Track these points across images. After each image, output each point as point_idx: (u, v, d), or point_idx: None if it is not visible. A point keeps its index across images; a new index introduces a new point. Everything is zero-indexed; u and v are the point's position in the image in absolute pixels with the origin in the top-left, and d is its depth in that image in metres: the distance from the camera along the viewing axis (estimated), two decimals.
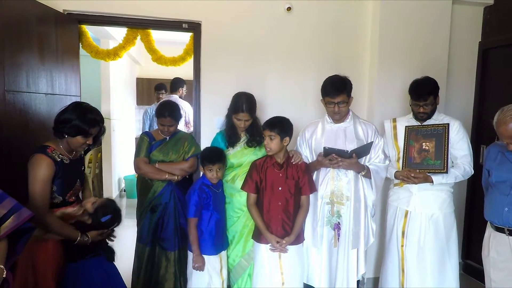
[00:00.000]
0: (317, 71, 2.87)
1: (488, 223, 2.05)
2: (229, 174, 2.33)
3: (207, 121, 2.85)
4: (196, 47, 2.86)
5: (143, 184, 2.46)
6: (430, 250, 2.25)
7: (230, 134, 2.32)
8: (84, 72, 3.02)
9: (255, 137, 2.31)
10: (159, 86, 4.77)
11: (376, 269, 2.92)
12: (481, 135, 3.04)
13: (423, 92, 2.24)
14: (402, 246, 2.31)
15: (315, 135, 2.28)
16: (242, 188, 2.18)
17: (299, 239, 2.16)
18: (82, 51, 2.97)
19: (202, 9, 2.77)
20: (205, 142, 2.69)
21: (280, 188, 2.10)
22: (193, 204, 2.17)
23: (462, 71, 3.16)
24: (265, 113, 2.82)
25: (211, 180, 2.20)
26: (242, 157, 2.32)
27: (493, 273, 2.01)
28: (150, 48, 3.31)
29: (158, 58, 3.42)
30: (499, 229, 1.96)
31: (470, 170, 2.24)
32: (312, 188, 2.16)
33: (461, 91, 3.16)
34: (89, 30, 3.27)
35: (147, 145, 2.41)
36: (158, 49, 3.43)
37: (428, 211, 2.26)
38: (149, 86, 7.03)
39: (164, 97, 4.56)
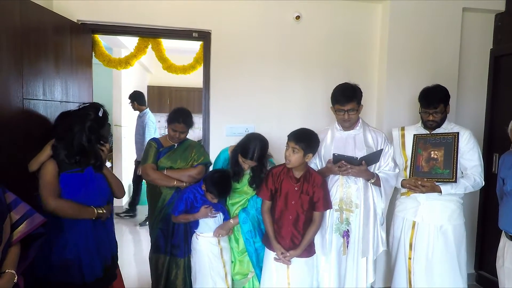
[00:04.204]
0: (326, 79, 2.88)
1: (503, 232, 2.01)
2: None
3: (216, 129, 2.87)
4: (206, 56, 2.90)
5: (152, 193, 2.48)
6: (438, 263, 2.20)
7: (234, 170, 2.23)
8: (97, 80, 3.09)
9: (259, 176, 2.21)
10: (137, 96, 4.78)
11: (386, 279, 2.88)
12: (494, 144, 3.00)
13: (434, 100, 2.22)
14: (410, 258, 2.27)
15: (324, 142, 2.27)
16: (257, 194, 2.15)
17: (309, 252, 2.11)
18: (94, 60, 3.04)
19: (212, 18, 2.81)
20: (214, 150, 2.71)
21: (293, 202, 2.04)
22: (183, 199, 2.19)
23: (473, 79, 3.13)
24: (275, 122, 2.85)
25: (211, 201, 2.19)
26: (241, 194, 2.27)
27: (508, 284, 1.97)
28: (161, 57, 3.37)
29: (169, 67, 3.48)
30: None
31: (480, 181, 2.19)
32: (327, 205, 2.08)
33: (472, 99, 3.13)
34: (102, 39, 3.35)
35: (155, 152, 2.43)
36: (169, 57, 3.48)
37: (437, 222, 2.22)
38: (160, 94, 7.14)
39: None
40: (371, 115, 3.01)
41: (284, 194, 2.05)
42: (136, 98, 4.68)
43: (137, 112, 4.82)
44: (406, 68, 2.93)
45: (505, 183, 2.02)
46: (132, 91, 4.77)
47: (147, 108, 4.75)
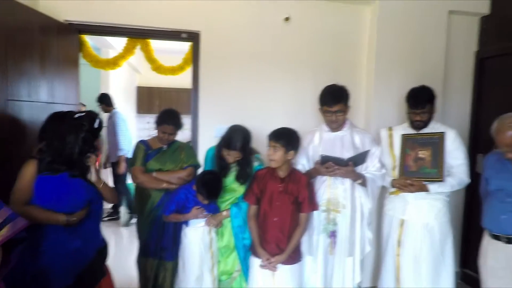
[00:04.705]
0: (315, 80, 2.90)
1: (486, 231, 2.06)
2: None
3: (205, 130, 2.87)
4: (195, 57, 2.90)
5: (141, 195, 2.45)
6: (425, 260, 2.25)
7: (220, 164, 2.23)
8: (85, 81, 3.06)
9: (245, 170, 2.21)
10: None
11: (373, 278, 2.91)
12: (478, 144, 3.06)
13: (420, 100, 2.27)
14: (398, 255, 2.31)
15: (312, 143, 2.29)
16: (244, 198, 2.16)
17: (295, 259, 2.08)
18: (82, 60, 3.00)
19: (201, 19, 2.81)
20: (203, 151, 2.69)
21: (278, 203, 2.03)
22: (175, 200, 2.18)
23: (459, 80, 3.19)
24: (264, 123, 2.84)
25: (202, 202, 2.19)
26: (230, 191, 2.27)
27: (489, 281, 2.02)
28: (150, 58, 3.35)
29: (157, 68, 3.46)
30: (496, 237, 1.96)
31: (466, 179, 2.26)
32: (313, 206, 2.09)
33: (457, 100, 3.19)
34: (90, 40, 3.32)
35: (143, 154, 2.41)
36: (158, 58, 3.47)
37: (424, 220, 2.26)
38: (149, 95, 7.09)
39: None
40: (360, 115, 3.04)
41: (269, 195, 2.05)
42: (103, 100, 4.65)
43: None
44: (394, 69, 2.97)
45: (488, 183, 2.06)
46: (99, 94, 4.73)
47: (115, 108, 4.71)
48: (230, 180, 2.26)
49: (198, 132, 2.89)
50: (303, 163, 2.31)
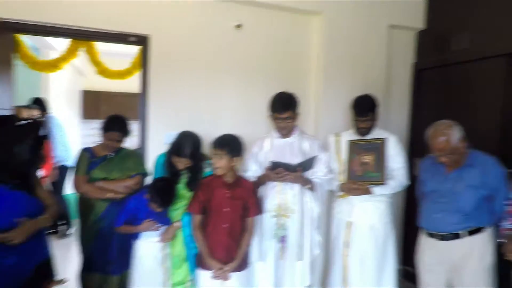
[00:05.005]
0: (266, 87, 2.94)
1: (422, 229, 2.21)
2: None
3: (155, 137, 2.78)
4: (144, 61, 2.81)
5: (84, 205, 2.31)
6: (370, 259, 2.36)
7: (170, 172, 2.18)
8: (24, 83, 2.83)
9: (196, 177, 2.17)
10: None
11: (323, 280, 2.98)
12: (416, 149, 3.28)
13: (364, 109, 2.39)
14: (346, 256, 2.40)
15: (262, 150, 2.33)
16: (188, 209, 2.11)
17: (243, 265, 2.07)
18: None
19: (151, 23, 2.74)
20: (153, 159, 2.61)
21: (226, 209, 2.01)
22: (126, 210, 2.10)
23: (399, 89, 3.41)
24: (216, 129, 2.82)
25: (155, 210, 2.12)
26: (180, 199, 2.21)
27: (425, 277, 2.17)
28: (94, 61, 3.20)
29: (103, 71, 3.31)
30: (431, 235, 2.12)
31: (405, 182, 2.42)
32: (259, 210, 2.11)
33: (398, 108, 3.41)
34: (28, 40, 3.08)
35: (87, 162, 2.28)
36: (104, 61, 3.32)
37: (369, 221, 2.38)
38: (95, 99, 6.72)
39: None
40: (309, 122, 3.13)
41: (217, 203, 2.03)
42: (37, 104, 4.37)
43: None
44: (341, 78, 3.11)
45: (424, 185, 2.22)
46: (33, 98, 4.42)
47: (50, 113, 4.43)
48: (181, 187, 2.21)
49: (147, 138, 2.80)
50: (253, 169, 2.33)
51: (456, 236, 2.01)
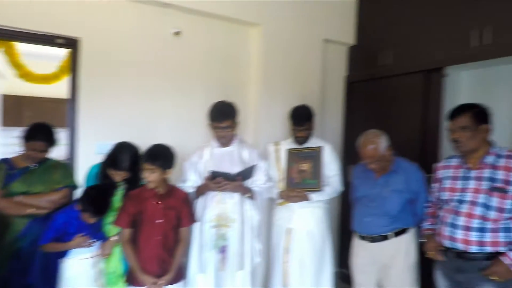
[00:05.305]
0: (206, 95, 2.92)
1: (354, 233, 2.33)
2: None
3: (85, 147, 2.59)
4: (74, 65, 2.62)
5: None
6: (309, 264, 2.43)
7: (105, 184, 2.07)
8: None
9: (135, 188, 2.07)
10: None
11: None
12: (349, 156, 3.49)
13: (302, 118, 2.49)
14: (286, 262, 2.44)
15: (202, 159, 2.30)
16: (115, 223, 2.00)
17: (178, 277, 2.03)
18: None
19: (82, 25, 2.57)
20: (83, 170, 2.43)
21: (159, 221, 1.96)
22: (54, 225, 1.94)
23: (334, 100, 3.61)
24: (152, 138, 2.71)
25: (88, 221, 1.98)
26: (116, 211, 2.08)
27: (358, 277, 2.29)
28: (15, 63, 2.90)
29: (25, 75, 3.02)
30: (362, 237, 2.25)
31: (340, 188, 2.56)
32: (192, 219, 2.09)
33: (332, 117, 3.60)
34: None
35: (3, 174, 2.05)
36: (30, 63, 3.02)
37: (307, 227, 2.45)
38: (18, 105, 6.08)
39: None
40: (249, 131, 3.16)
41: (149, 215, 1.96)
42: None
43: None
44: (280, 88, 3.20)
45: (356, 190, 2.36)
46: None
47: None
48: (117, 199, 2.09)
49: (76, 148, 2.60)
50: (193, 179, 2.28)
51: (384, 238, 2.15)
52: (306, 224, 2.46)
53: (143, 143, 2.20)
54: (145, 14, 2.76)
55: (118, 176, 2.06)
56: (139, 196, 1.99)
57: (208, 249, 2.18)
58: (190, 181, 2.29)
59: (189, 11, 2.87)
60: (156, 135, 2.69)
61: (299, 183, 2.46)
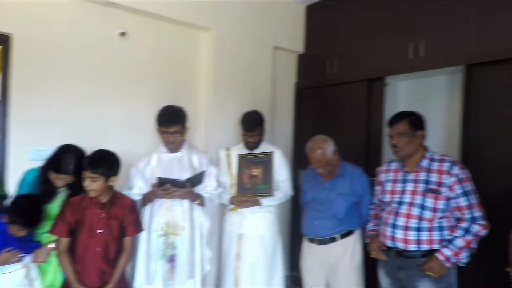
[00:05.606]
0: (155, 99, 2.82)
1: (304, 236, 2.38)
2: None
3: (17, 152, 2.36)
4: (4, 63, 2.39)
5: None
6: (260, 269, 2.44)
7: (44, 189, 1.93)
8: None
9: (77, 194, 1.94)
10: None
11: None
12: (299, 161, 3.57)
13: (252, 124, 2.51)
14: (237, 268, 2.43)
15: (149, 165, 2.21)
16: (51, 231, 1.86)
17: (121, 287, 1.94)
18: None
19: (14, 20, 2.35)
20: (15, 177, 2.21)
21: (100, 231, 1.86)
22: None
23: (284, 106, 3.68)
24: (94, 143, 2.56)
25: (16, 234, 1.81)
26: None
27: (307, 280, 2.34)
28: None
29: None
30: (311, 240, 2.30)
31: (290, 192, 2.60)
32: (138, 228, 2.01)
33: (283, 123, 3.67)
34: None
35: None
36: None
37: (259, 231, 2.46)
38: None
39: None
40: (200, 136, 3.11)
41: (88, 225, 1.86)
42: None
43: None
44: (231, 93, 3.19)
45: (305, 194, 2.41)
46: None
47: None
48: (56, 206, 1.93)
49: (7, 154, 2.36)
50: (139, 186, 2.19)
51: (332, 240, 2.22)
52: (258, 229, 2.46)
53: (89, 147, 2.07)
54: (88, 12, 2.61)
55: (60, 181, 1.91)
56: (80, 204, 1.87)
57: (155, 259, 2.10)
58: (136, 188, 2.19)
59: (136, 12, 2.76)
60: (101, 140, 2.54)
61: (250, 188, 2.46)
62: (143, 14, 2.80)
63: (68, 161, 1.88)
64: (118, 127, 2.74)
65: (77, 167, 1.90)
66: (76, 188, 1.95)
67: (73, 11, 2.56)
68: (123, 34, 2.73)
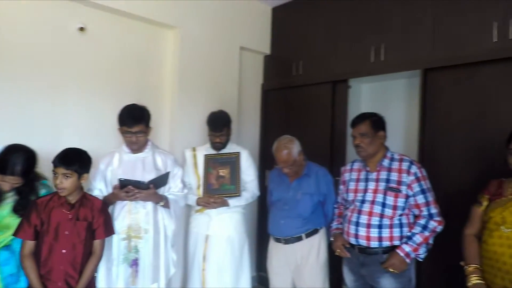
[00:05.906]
0: (117, 98, 2.70)
1: (271, 236, 2.39)
2: None
3: None
4: None
5: None
6: (227, 270, 2.42)
7: None
8: None
9: (27, 200, 1.83)
10: None
11: None
12: (266, 161, 3.59)
13: (219, 124, 2.48)
14: (203, 270, 2.40)
15: (111, 166, 2.13)
16: (16, 234, 1.76)
17: None
18: None
19: None
20: None
21: (66, 232, 1.78)
22: None
23: (251, 107, 3.68)
24: (52, 142, 2.43)
25: None
26: (4, 229, 1.80)
27: (273, 279, 2.36)
28: None
29: None
30: (278, 240, 2.32)
31: (257, 192, 2.60)
32: (109, 230, 1.93)
33: (250, 123, 3.67)
34: None
35: None
36: None
37: (225, 232, 2.45)
38: None
39: None
40: (165, 136, 3.04)
41: (54, 226, 1.77)
42: None
43: None
44: (197, 93, 3.13)
45: (271, 194, 2.43)
46: None
47: None
48: (4, 213, 1.80)
49: None
50: (100, 188, 2.10)
51: (298, 239, 2.25)
52: (225, 230, 2.45)
53: (44, 149, 1.95)
54: (44, 6, 2.46)
55: (6, 184, 1.77)
56: (47, 204, 1.79)
57: (117, 263, 2.02)
58: (97, 190, 2.10)
59: (97, 7, 2.64)
60: (60, 140, 2.41)
61: (218, 189, 2.44)
62: (104, 10, 2.69)
63: (16, 161, 1.75)
64: (76, 126, 2.60)
65: (26, 168, 1.78)
66: (25, 193, 1.83)
67: (27, 2, 2.40)
68: (82, 29, 2.61)
